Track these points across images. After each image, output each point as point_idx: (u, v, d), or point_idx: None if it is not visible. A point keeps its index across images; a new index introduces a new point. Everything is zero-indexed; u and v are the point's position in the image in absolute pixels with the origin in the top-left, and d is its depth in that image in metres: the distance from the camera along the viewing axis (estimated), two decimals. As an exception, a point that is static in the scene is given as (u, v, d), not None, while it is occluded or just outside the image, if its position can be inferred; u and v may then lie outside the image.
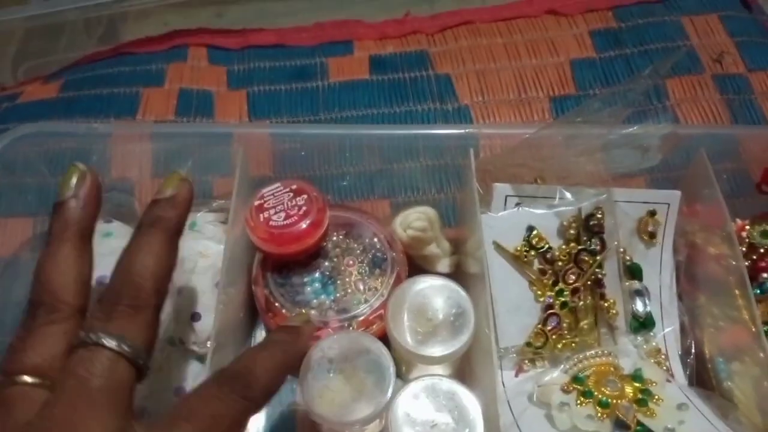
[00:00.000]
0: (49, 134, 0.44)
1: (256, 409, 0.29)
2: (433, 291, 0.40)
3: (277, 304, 0.43)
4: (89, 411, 0.23)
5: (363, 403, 0.36)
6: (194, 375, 0.41)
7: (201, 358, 0.42)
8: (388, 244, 0.45)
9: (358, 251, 0.46)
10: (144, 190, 0.50)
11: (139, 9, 0.69)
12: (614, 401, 0.38)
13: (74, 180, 0.30)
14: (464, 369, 0.41)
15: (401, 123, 0.55)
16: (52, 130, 0.44)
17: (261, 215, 0.42)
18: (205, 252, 0.44)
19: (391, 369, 0.37)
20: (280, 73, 0.58)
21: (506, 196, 0.43)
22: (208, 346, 0.41)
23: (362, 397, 0.36)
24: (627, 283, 0.44)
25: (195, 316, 0.41)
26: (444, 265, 0.47)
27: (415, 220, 0.45)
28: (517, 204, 0.43)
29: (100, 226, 0.44)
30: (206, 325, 0.41)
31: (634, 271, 0.44)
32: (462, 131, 0.45)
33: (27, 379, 0.25)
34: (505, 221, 0.43)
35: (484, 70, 0.58)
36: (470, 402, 0.37)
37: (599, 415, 0.37)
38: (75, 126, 0.45)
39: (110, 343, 0.25)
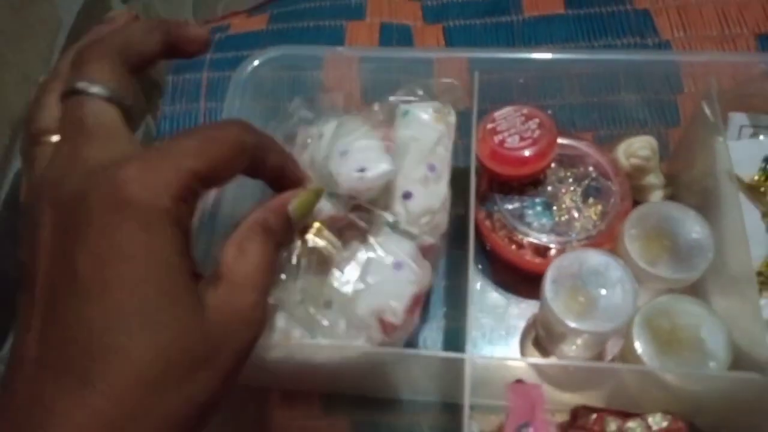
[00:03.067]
0: (291, 56, 0.46)
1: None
2: (673, 216, 0.41)
3: (503, 221, 0.45)
4: (87, 141, 0.26)
5: (603, 315, 0.38)
6: (408, 251, 0.41)
7: (413, 237, 0.43)
8: (611, 172, 0.46)
9: (572, 179, 0.47)
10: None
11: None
12: None
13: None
14: (697, 293, 0.42)
15: (601, 58, 0.55)
16: (296, 53, 0.47)
17: (495, 137, 0.44)
18: (417, 136, 0.44)
19: (633, 286, 0.39)
20: (473, 7, 0.59)
21: (741, 126, 0.43)
22: (419, 226, 0.42)
23: (603, 309, 0.38)
24: None
25: (407, 195, 0.42)
26: (657, 196, 0.48)
27: (639, 148, 0.45)
28: (753, 134, 0.43)
29: (331, 125, 0.45)
30: (418, 203, 0.42)
31: None
32: (696, 59, 0.45)
33: (42, 138, 0.28)
34: (740, 150, 0.42)
35: (684, 5, 0.56)
36: (713, 319, 0.38)
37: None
38: (318, 49, 0.48)
39: (93, 89, 0.27)
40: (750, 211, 0.43)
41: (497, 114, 0.44)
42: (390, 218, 0.42)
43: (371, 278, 0.40)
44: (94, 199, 0.24)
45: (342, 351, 0.39)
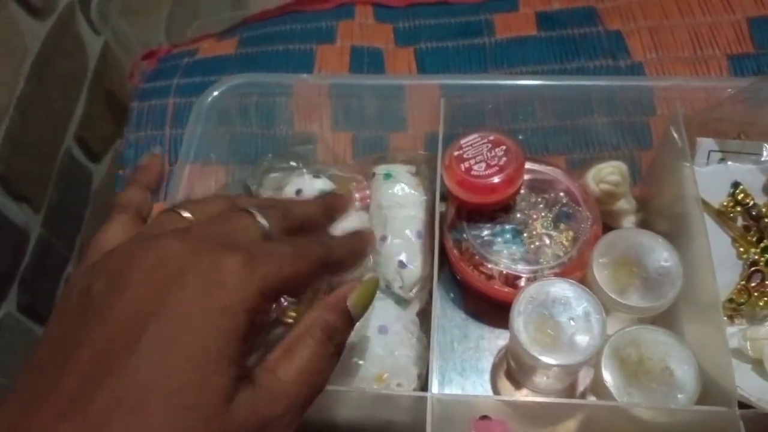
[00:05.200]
0: (255, 84, 0.46)
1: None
2: (641, 244, 0.40)
3: (471, 251, 0.44)
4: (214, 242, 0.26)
5: (571, 349, 0.37)
6: (396, 315, 0.42)
7: (402, 301, 0.43)
8: (580, 198, 0.45)
9: (542, 205, 0.46)
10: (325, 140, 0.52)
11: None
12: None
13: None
14: (668, 322, 0.41)
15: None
16: (262, 81, 0.46)
17: (462, 165, 0.43)
18: (403, 202, 0.45)
19: (601, 316, 0.38)
20: (446, 30, 0.58)
21: (710, 151, 0.42)
22: (412, 294, 0.43)
23: (571, 342, 0.37)
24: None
25: (401, 264, 0.43)
26: (629, 221, 0.47)
27: (608, 174, 0.45)
28: (722, 159, 0.42)
29: (309, 182, 0.46)
30: (412, 272, 0.43)
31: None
32: (666, 84, 0.44)
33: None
34: (709, 176, 0.42)
35: (656, 26, 0.56)
36: (681, 350, 0.37)
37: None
38: (285, 77, 0.47)
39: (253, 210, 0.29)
40: (720, 237, 0.42)
41: (463, 141, 0.44)
42: (383, 284, 0.43)
43: (360, 342, 0.40)
44: (192, 273, 0.24)
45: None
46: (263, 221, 0.29)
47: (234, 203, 0.31)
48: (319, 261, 0.29)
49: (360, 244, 0.34)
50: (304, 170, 0.46)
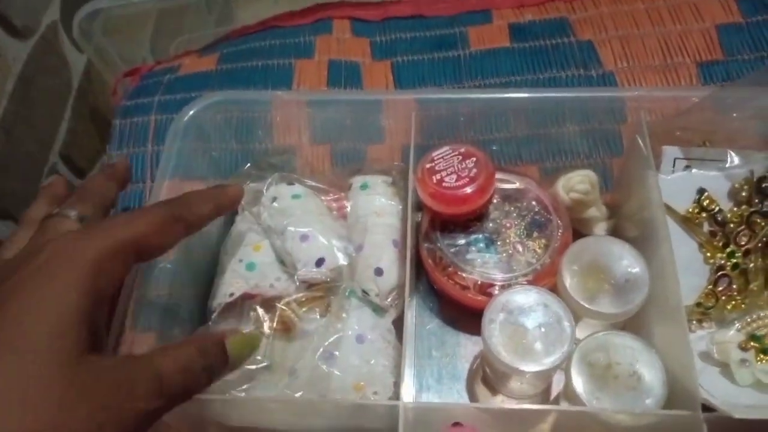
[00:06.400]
0: (232, 102, 0.47)
1: None
2: (609, 251, 0.41)
3: (445, 261, 0.45)
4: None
5: (541, 355, 0.38)
6: (373, 324, 0.43)
7: (379, 311, 0.44)
8: (551, 207, 0.46)
9: (515, 214, 0.47)
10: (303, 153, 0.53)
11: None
12: (794, 359, 0.38)
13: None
14: (634, 327, 0.42)
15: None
16: (239, 98, 0.47)
17: (434, 177, 0.44)
18: (380, 211, 0.46)
19: (570, 323, 0.39)
20: (421, 43, 0.59)
21: (675, 159, 0.43)
22: (388, 302, 0.44)
23: (541, 349, 0.38)
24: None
25: (378, 271, 0.43)
26: (601, 228, 0.48)
27: (578, 183, 0.46)
28: (687, 167, 0.43)
29: (285, 188, 0.47)
30: (388, 280, 0.43)
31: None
32: (628, 94, 0.45)
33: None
34: (675, 183, 0.43)
35: (627, 35, 0.57)
36: (649, 355, 0.38)
37: (780, 371, 0.38)
38: (261, 93, 0.48)
39: (70, 213, 0.33)
40: (687, 243, 0.43)
41: (435, 154, 0.45)
42: (359, 291, 0.44)
43: (337, 351, 0.42)
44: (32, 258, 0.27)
45: (286, 405, 0.39)
46: (71, 211, 0.33)
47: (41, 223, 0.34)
48: (163, 218, 0.32)
49: (223, 195, 0.38)
50: (278, 177, 0.47)
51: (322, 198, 0.50)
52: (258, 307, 0.42)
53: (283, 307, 0.41)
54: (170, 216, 0.33)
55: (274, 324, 0.41)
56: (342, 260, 0.43)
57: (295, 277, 0.43)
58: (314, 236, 0.44)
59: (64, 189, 0.38)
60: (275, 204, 0.46)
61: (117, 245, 0.29)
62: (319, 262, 0.43)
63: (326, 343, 0.42)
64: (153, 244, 0.32)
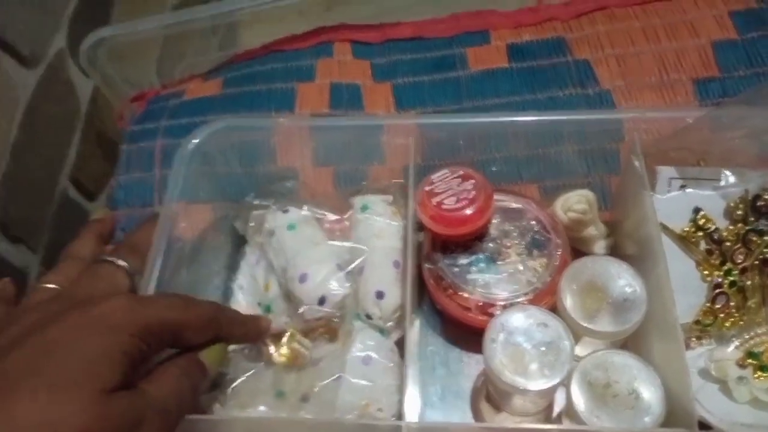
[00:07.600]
0: (235, 128, 0.48)
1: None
2: (607, 271, 0.42)
3: (446, 281, 0.46)
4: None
5: (542, 374, 0.39)
6: (378, 345, 0.44)
7: (383, 331, 0.45)
8: (549, 226, 0.47)
9: (516, 233, 0.48)
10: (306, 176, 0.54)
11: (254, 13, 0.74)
12: (792, 376, 0.39)
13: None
14: (636, 345, 0.43)
15: (544, 109, 0.56)
16: (243, 124, 0.48)
17: (433, 199, 0.45)
18: (380, 233, 0.47)
19: (570, 342, 0.39)
20: (421, 64, 0.60)
21: (670, 179, 0.44)
22: (391, 323, 0.45)
23: (541, 368, 0.39)
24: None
25: (380, 294, 0.44)
26: (600, 246, 0.49)
27: (576, 202, 0.47)
28: (682, 186, 0.44)
29: (280, 218, 0.48)
30: (390, 302, 0.44)
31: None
32: (623, 116, 0.46)
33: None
34: (670, 203, 0.44)
35: (623, 54, 0.58)
36: (647, 373, 0.39)
37: (778, 388, 0.38)
38: (264, 120, 0.50)
39: (122, 264, 0.39)
40: (685, 261, 0.44)
41: (434, 176, 0.46)
42: (363, 315, 0.46)
43: (345, 374, 0.43)
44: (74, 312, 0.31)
45: (291, 425, 0.40)
46: (122, 262, 0.38)
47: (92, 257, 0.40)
48: (208, 318, 0.35)
49: (253, 324, 0.41)
50: (273, 207, 0.49)
51: (324, 219, 0.51)
52: (267, 341, 0.43)
53: (290, 341, 0.43)
54: (216, 320, 0.36)
55: (281, 355, 0.42)
56: (344, 291, 0.44)
57: (301, 314, 0.45)
58: (312, 276, 0.45)
59: (111, 228, 0.41)
60: (273, 240, 0.48)
61: (167, 321, 0.33)
62: (321, 301, 0.44)
63: (335, 367, 0.43)
64: (190, 335, 0.35)
